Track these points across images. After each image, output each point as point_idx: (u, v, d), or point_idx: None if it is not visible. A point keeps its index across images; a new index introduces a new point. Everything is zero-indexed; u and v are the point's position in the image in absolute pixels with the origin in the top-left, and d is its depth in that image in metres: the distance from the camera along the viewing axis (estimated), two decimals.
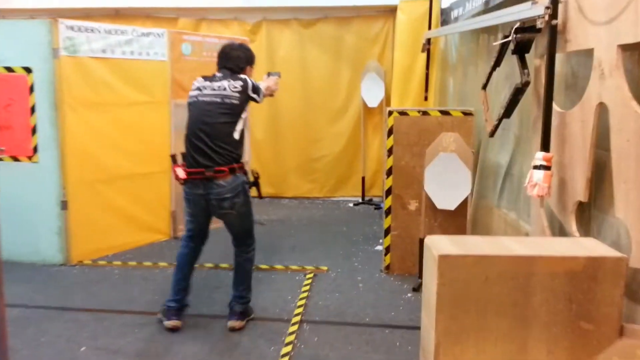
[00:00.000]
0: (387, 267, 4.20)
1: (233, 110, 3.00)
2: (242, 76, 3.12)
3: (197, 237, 3.28)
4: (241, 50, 3.24)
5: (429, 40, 5.51)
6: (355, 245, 4.96)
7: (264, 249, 4.80)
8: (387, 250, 4.18)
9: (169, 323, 3.18)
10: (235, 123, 3.00)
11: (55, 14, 5.40)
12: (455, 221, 3.85)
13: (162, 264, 4.41)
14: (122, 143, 4.61)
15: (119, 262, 4.45)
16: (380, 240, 4.64)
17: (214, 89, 3.03)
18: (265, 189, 6.82)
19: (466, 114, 3.93)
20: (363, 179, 6.62)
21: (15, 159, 4.30)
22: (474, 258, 1.90)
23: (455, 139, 3.74)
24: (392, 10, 6.20)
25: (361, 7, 6.36)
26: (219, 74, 3.14)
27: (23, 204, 4.31)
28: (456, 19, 4.85)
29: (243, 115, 3.05)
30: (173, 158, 3.15)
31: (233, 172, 2.99)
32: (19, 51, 4.18)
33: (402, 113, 4.03)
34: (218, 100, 3.00)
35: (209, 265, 4.36)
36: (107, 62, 4.45)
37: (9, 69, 4.21)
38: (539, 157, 2.36)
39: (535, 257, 1.89)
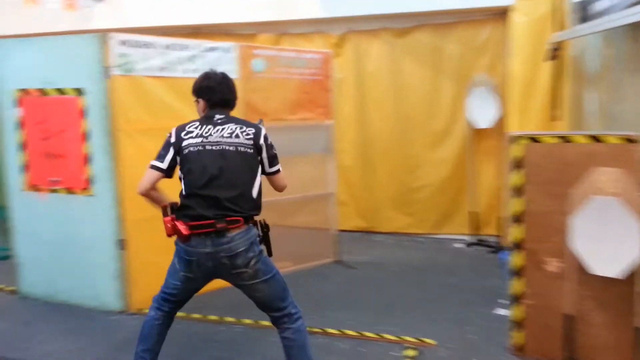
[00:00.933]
0: (519, 348, 3.07)
1: (248, 159, 2.54)
2: (251, 122, 2.66)
3: (176, 303, 2.67)
4: (229, 79, 2.79)
5: (556, 46, 4.37)
6: (469, 306, 3.86)
7: (352, 304, 3.90)
8: (518, 323, 3.07)
9: None
10: (253, 177, 2.55)
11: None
12: (618, 292, 2.68)
13: (228, 319, 3.65)
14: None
15: (182, 314, 3.72)
16: (503, 302, 3.58)
17: (234, 134, 2.54)
18: (356, 222, 6.00)
19: (631, 140, 2.77)
20: (472, 214, 5.51)
21: (70, 191, 3.78)
22: None
23: (616, 177, 2.62)
24: (502, 13, 5.09)
25: (464, 11, 5.30)
26: (219, 117, 2.62)
27: (80, 241, 3.79)
28: (600, 13, 3.70)
29: (258, 166, 2.59)
30: (165, 209, 2.53)
31: (247, 223, 2.49)
32: (70, 71, 3.67)
33: (534, 139, 2.95)
34: (231, 148, 2.51)
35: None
36: (167, 82, 3.83)
37: (61, 91, 3.72)
38: None
39: None
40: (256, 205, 2.55)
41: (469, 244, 5.46)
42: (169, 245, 3.89)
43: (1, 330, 3.51)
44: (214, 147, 2.49)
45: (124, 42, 3.61)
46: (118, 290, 3.76)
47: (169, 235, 2.48)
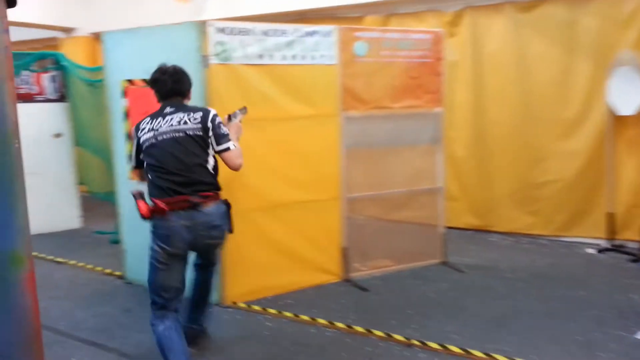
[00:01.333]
0: None
1: (200, 140, 2.74)
2: (206, 107, 2.90)
3: (170, 300, 2.70)
4: (183, 73, 2.95)
5: None
6: (602, 326, 3.26)
7: (457, 315, 3.50)
8: None
9: None
10: (204, 155, 2.76)
11: None
12: None
13: (321, 320, 3.43)
14: (281, 165, 3.80)
15: (274, 311, 3.61)
16: None
17: (182, 122, 2.76)
18: (467, 219, 5.47)
19: None
20: (610, 215, 4.73)
21: None
22: None
23: None
24: None
25: None
26: (170, 107, 2.83)
27: None
28: None
29: (209, 145, 2.77)
30: (136, 195, 2.66)
31: (217, 198, 2.78)
32: (171, 61, 3.59)
33: None
34: (181, 135, 2.72)
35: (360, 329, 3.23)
36: (264, 70, 3.68)
37: None
38: None
39: None
40: (213, 177, 2.78)
41: (603, 250, 4.70)
42: (266, 239, 3.80)
43: (103, 316, 3.64)
44: (164, 137, 2.70)
45: (221, 30, 3.52)
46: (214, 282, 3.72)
47: (146, 217, 2.61)
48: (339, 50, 3.89)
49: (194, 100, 3.56)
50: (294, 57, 3.76)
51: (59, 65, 5.41)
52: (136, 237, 4.07)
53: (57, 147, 5.62)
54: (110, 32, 3.89)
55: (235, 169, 2.81)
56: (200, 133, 2.72)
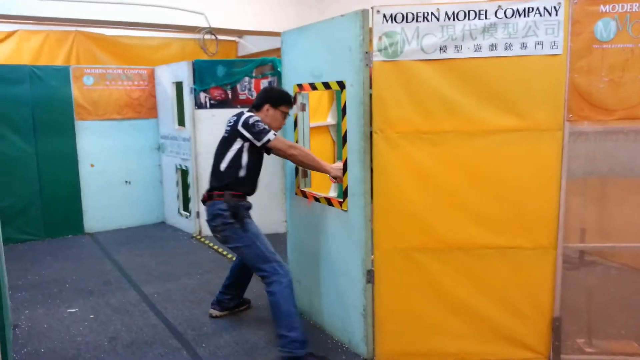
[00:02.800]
0: None
1: (225, 143, 3.15)
2: (243, 112, 3.15)
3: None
4: (264, 89, 3.32)
5: None
6: None
7: None
8: None
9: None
10: (223, 155, 3.13)
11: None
12: None
13: None
14: (466, 194, 2.82)
15: None
16: None
17: (227, 122, 3.23)
18: None
19: None
20: None
21: (329, 201, 3.23)
22: None
23: None
24: None
25: None
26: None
27: (334, 262, 3.24)
28: None
29: (233, 148, 3.10)
30: None
31: (211, 198, 3.14)
32: (334, 60, 3.02)
33: None
34: (224, 133, 3.21)
35: None
36: (446, 66, 2.73)
37: (327, 86, 3.15)
38: None
39: None
40: (222, 179, 3.13)
41: None
42: (434, 290, 2.90)
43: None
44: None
45: (390, 17, 2.72)
46: (363, 330, 3.02)
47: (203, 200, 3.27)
48: (568, 33, 2.65)
49: (351, 111, 2.91)
50: (493, 47, 2.69)
51: (275, 70, 5.39)
52: (296, 255, 3.65)
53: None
54: (287, 32, 3.48)
55: (289, 154, 3.05)
56: (228, 136, 3.12)
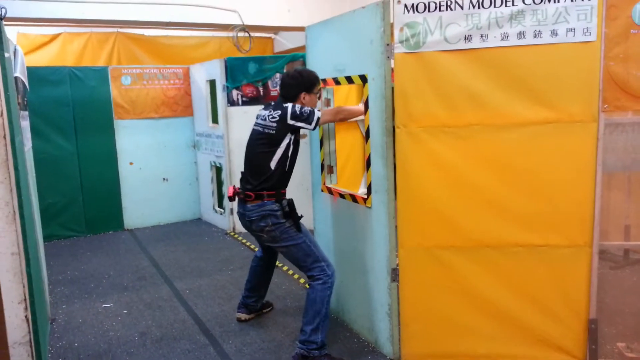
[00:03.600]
0: None
1: (270, 140, 3.02)
2: (286, 105, 3.02)
3: (264, 252, 3.54)
4: (292, 78, 3.12)
5: None
6: None
7: None
8: None
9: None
10: (272, 153, 3.02)
11: None
12: None
13: None
14: (494, 190, 2.70)
15: None
16: None
17: (262, 119, 3.08)
18: None
19: None
20: None
21: (354, 198, 3.18)
22: None
23: None
24: None
25: None
26: (273, 103, 3.15)
27: (360, 260, 3.19)
28: None
29: (282, 145, 3.01)
30: None
31: (260, 198, 3.03)
32: (356, 54, 2.96)
33: None
34: (260, 129, 3.08)
35: None
36: (472, 56, 2.62)
37: (350, 80, 3.09)
38: None
39: None
40: (270, 180, 3.01)
41: None
42: (462, 289, 2.80)
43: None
44: (253, 129, 3.13)
45: (411, 7, 2.63)
46: (388, 330, 2.95)
47: (229, 196, 3.14)
48: (602, 18, 2.48)
49: (373, 105, 2.84)
50: (521, 35, 2.56)
51: (305, 66, 5.36)
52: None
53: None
54: (311, 26, 3.43)
55: (339, 116, 3.10)
56: (273, 132, 2.99)
